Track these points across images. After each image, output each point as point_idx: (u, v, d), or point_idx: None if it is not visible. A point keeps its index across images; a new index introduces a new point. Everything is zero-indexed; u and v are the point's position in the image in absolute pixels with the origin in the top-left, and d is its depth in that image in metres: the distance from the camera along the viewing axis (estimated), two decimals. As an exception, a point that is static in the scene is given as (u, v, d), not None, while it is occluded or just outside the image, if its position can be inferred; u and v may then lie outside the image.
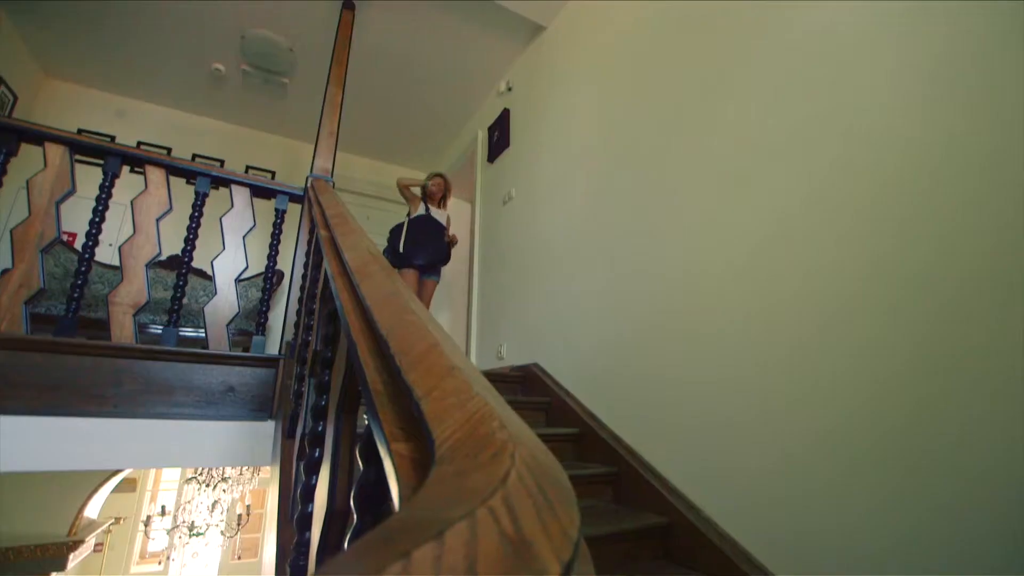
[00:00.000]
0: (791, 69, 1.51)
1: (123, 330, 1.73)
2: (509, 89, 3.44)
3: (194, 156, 3.98)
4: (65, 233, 3.33)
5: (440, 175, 3.30)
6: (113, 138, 3.74)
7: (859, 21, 1.35)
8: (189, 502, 5.41)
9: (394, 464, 0.31)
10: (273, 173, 4.23)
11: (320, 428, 0.86)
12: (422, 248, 3.05)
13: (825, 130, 1.38)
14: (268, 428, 1.80)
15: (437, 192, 3.26)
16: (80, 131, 3.65)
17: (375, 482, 0.40)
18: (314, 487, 0.84)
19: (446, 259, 3.18)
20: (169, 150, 3.92)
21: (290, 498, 1.10)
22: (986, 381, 0.97)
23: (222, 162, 4.07)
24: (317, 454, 0.86)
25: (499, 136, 3.39)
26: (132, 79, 3.70)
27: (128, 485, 6.53)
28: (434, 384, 0.35)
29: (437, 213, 3.21)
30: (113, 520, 5.86)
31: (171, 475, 7.35)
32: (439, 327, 0.50)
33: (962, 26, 1.12)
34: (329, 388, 0.84)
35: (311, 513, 0.82)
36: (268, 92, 3.78)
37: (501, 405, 0.34)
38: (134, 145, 3.80)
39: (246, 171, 4.14)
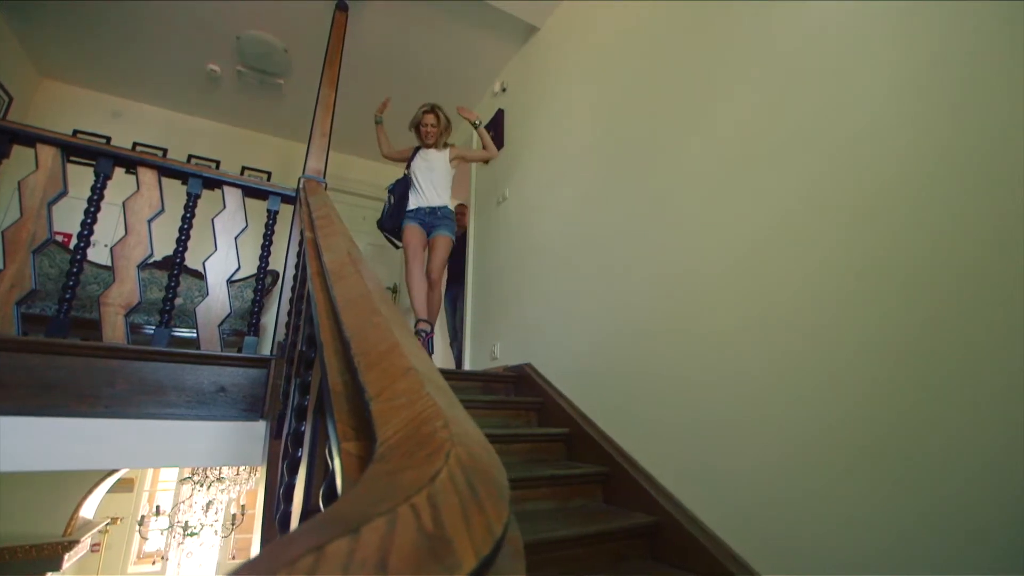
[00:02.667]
0: (786, 69, 1.50)
1: (115, 330, 1.74)
2: (503, 90, 3.44)
3: (190, 157, 3.99)
4: (61, 234, 3.34)
5: (432, 107, 2.92)
6: (109, 139, 3.74)
7: (853, 21, 1.34)
8: (183, 502, 5.41)
9: (342, 463, 0.32)
10: (269, 174, 4.24)
11: (302, 428, 0.87)
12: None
13: (820, 131, 1.38)
14: (259, 428, 1.81)
15: (432, 132, 2.91)
16: (76, 132, 3.66)
17: (333, 481, 0.41)
18: (295, 486, 0.85)
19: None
20: (165, 151, 3.93)
21: (275, 497, 1.11)
22: (981, 383, 0.97)
23: (218, 163, 4.08)
24: (299, 454, 0.86)
25: (494, 136, 3.39)
26: (128, 80, 3.71)
27: (125, 485, 6.53)
28: (387, 385, 0.36)
29: (436, 157, 2.91)
30: (109, 520, 5.86)
31: (168, 475, 7.35)
32: (406, 328, 0.50)
33: (958, 26, 1.12)
34: (310, 388, 0.85)
35: (292, 512, 0.82)
36: (263, 93, 3.79)
37: (451, 405, 0.35)
38: (130, 146, 3.81)
39: (242, 172, 4.15)
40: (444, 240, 2.81)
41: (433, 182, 2.86)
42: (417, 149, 2.96)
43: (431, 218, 2.83)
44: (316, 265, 0.80)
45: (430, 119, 2.89)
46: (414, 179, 2.89)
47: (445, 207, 2.86)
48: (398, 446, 0.29)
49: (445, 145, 2.98)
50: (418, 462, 0.27)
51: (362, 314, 0.51)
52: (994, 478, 0.93)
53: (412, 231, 2.81)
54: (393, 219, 2.89)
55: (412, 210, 2.85)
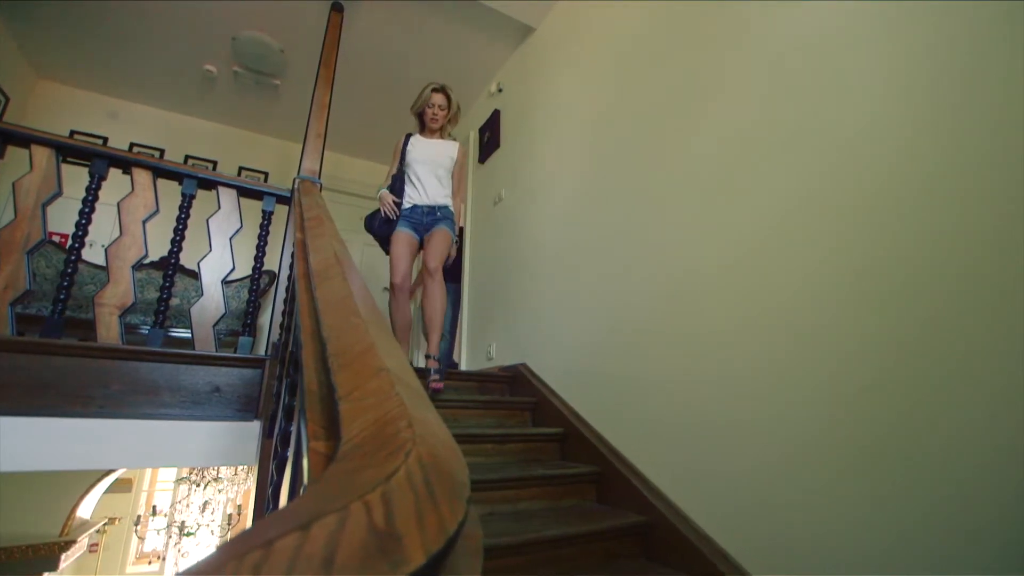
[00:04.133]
0: (783, 69, 1.50)
1: (109, 331, 1.74)
2: (500, 90, 3.45)
3: (187, 158, 4.00)
4: (58, 235, 3.35)
5: (442, 87, 2.46)
6: (106, 140, 3.75)
7: (849, 21, 1.34)
8: (179, 502, 5.42)
9: (309, 462, 0.33)
10: (266, 174, 4.24)
11: (291, 428, 0.88)
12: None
13: (817, 131, 1.37)
14: (254, 428, 1.81)
15: (441, 116, 2.46)
16: (73, 133, 3.66)
17: (302, 480, 0.41)
18: (282, 485, 0.85)
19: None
20: (162, 152, 3.94)
21: (265, 497, 1.12)
22: (980, 384, 0.97)
23: (215, 163, 4.09)
24: (287, 453, 0.87)
25: (490, 137, 3.41)
26: (125, 81, 3.71)
27: (123, 485, 6.54)
28: (357, 385, 0.37)
29: (442, 147, 2.47)
30: (107, 520, 5.87)
31: (167, 475, 7.36)
32: (385, 330, 0.51)
33: (954, 26, 1.12)
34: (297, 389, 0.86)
35: (279, 512, 0.83)
36: (260, 93, 3.79)
37: (420, 406, 0.36)
38: (127, 146, 3.81)
39: (239, 172, 4.16)
40: (442, 233, 2.35)
41: (438, 176, 2.43)
42: (409, 137, 2.49)
43: (429, 218, 2.39)
44: (303, 266, 0.81)
45: (439, 99, 2.43)
46: (410, 172, 2.43)
47: (447, 207, 2.43)
48: (361, 445, 0.30)
49: (451, 137, 2.59)
50: (378, 461, 0.27)
51: (341, 315, 0.51)
52: (993, 479, 0.92)
53: (400, 238, 2.34)
54: (389, 225, 2.42)
55: (406, 209, 2.41)
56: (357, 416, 0.33)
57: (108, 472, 3.78)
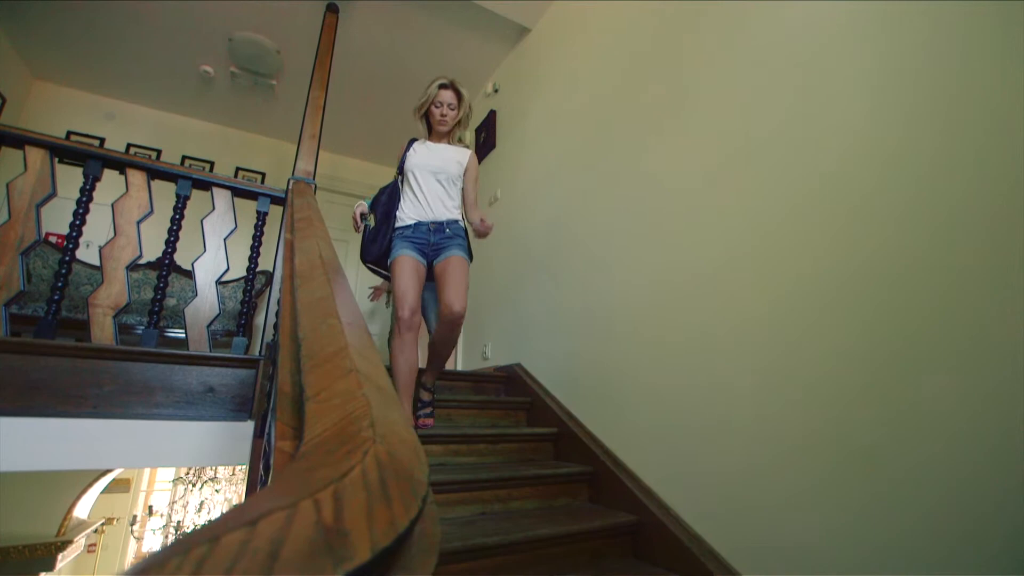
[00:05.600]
0: (773, 71, 1.50)
1: (103, 331, 1.75)
2: (496, 91, 3.46)
3: (184, 158, 4.00)
4: (56, 235, 3.35)
5: (451, 83, 2.02)
6: (103, 140, 3.76)
7: (838, 24, 1.34)
8: (175, 502, 5.43)
9: (274, 460, 0.33)
10: (263, 175, 4.25)
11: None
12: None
13: (807, 135, 1.37)
14: (247, 428, 1.82)
15: (450, 117, 2.02)
16: (69, 134, 3.67)
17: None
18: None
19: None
20: (159, 152, 3.94)
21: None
22: (967, 390, 0.97)
23: (212, 164, 4.09)
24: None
25: (486, 137, 3.42)
26: (121, 81, 3.72)
27: (121, 485, 6.54)
28: (325, 386, 0.37)
29: (450, 153, 2.03)
30: (104, 520, 5.87)
31: (166, 475, 7.36)
32: (361, 332, 0.52)
33: (944, 27, 1.12)
34: (284, 389, 0.86)
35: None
36: (257, 94, 3.80)
37: (386, 407, 0.36)
38: (124, 147, 3.82)
39: (236, 173, 4.16)
40: (458, 261, 1.89)
41: (444, 186, 1.98)
42: (412, 143, 2.06)
43: (437, 237, 1.93)
44: (288, 267, 0.81)
45: (447, 97, 2.00)
46: (412, 181, 1.97)
47: (456, 222, 1.99)
48: (322, 444, 0.31)
49: (461, 142, 2.14)
50: (335, 459, 0.28)
51: (318, 316, 0.52)
52: (987, 484, 0.92)
53: (404, 265, 1.86)
54: (378, 243, 1.98)
55: (407, 227, 1.93)
56: (322, 416, 0.34)
57: (105, 472, 3.78)
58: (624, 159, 2.09)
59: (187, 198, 1.97)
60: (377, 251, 1.98)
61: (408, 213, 1.96)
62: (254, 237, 2.06)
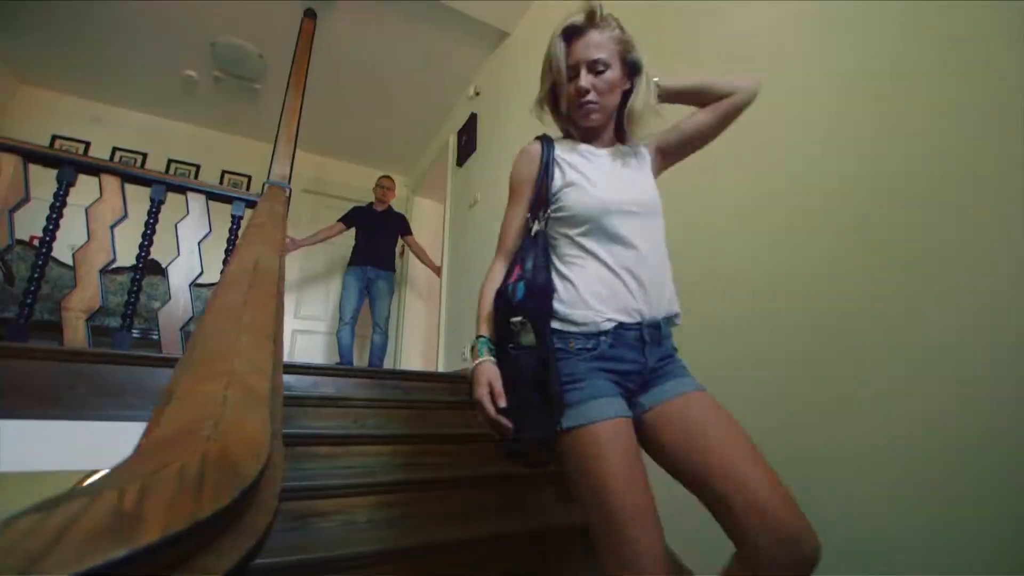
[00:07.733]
0: (754, 66, 1.49)
1: (76, 334, 1.78)
2: (477, 94, 3.49)
3: (170, 162, 4.03)
4: (37, 238, 3.37)
5: (581, 21, 0.99)
6: (88, 144, 3.78)
7: (800, 22, 1.37)
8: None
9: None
10: (249, 178, 4.28)
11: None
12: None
13: (775, 135, 1.39)
14: (220, 429, 1.84)
15: (605, 92, 0.94)
16: (55, 138, 3.69)
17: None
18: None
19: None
20: (145, 156, 3.97)
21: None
22: (943, 383, 0.95)
23: (198, 167, 4.12)
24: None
25: (467, 140, 3.45)
26: (107, 85, 3.75)
27: (113, 487, 6.55)
28: (191, 388, 0.41)
29: (636, 171, 1.04)
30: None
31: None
32: (261, 337, 0.55)
33: (917, 29, 1.12)
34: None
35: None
36: (241, 97, 3.83)
37: (247, 408, 0.40)
38: (110, 151, 3.85)
39: (222, 176, 4.19)
40: (712, 403, 0.92)
41: (656, 240, 1.03)
42: (550, 148, 1.10)
43: (658, 354, 0.94)
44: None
45: (593, 50, 1.02)
46: (592, 241, 0.96)
47: (676, 316, 1.11)
48: (162, 443, 0.34)
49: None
50: (163, 456, 0.32)
51: (220, 323, 0.55)
52: (983, 485, 0.90)
53: (615, 450, 0.79)
54: (544, 412, 0.85)
55: (603, 342, 0.87)
56: (176, 416, 0.37)
57: (88, 475, 3.80)
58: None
59: (162, 202, 2.00)
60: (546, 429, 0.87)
61: (592, 307, 0.89)
62: (229, 241, 2.09)
